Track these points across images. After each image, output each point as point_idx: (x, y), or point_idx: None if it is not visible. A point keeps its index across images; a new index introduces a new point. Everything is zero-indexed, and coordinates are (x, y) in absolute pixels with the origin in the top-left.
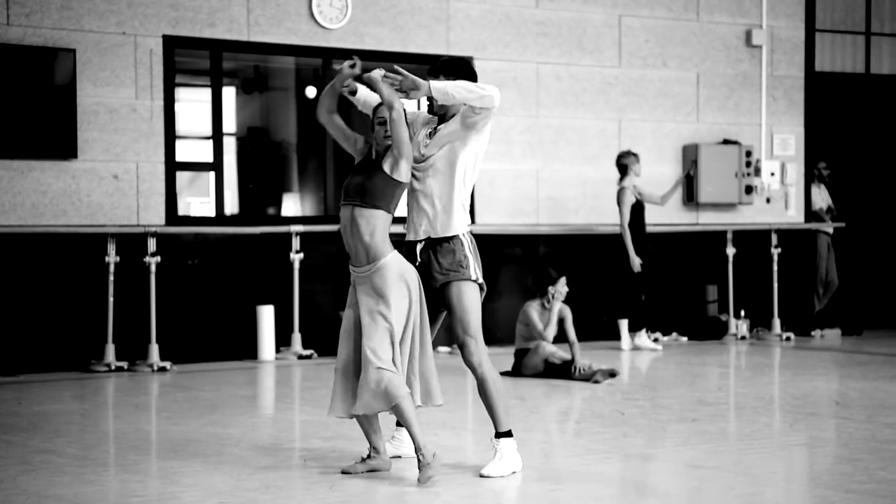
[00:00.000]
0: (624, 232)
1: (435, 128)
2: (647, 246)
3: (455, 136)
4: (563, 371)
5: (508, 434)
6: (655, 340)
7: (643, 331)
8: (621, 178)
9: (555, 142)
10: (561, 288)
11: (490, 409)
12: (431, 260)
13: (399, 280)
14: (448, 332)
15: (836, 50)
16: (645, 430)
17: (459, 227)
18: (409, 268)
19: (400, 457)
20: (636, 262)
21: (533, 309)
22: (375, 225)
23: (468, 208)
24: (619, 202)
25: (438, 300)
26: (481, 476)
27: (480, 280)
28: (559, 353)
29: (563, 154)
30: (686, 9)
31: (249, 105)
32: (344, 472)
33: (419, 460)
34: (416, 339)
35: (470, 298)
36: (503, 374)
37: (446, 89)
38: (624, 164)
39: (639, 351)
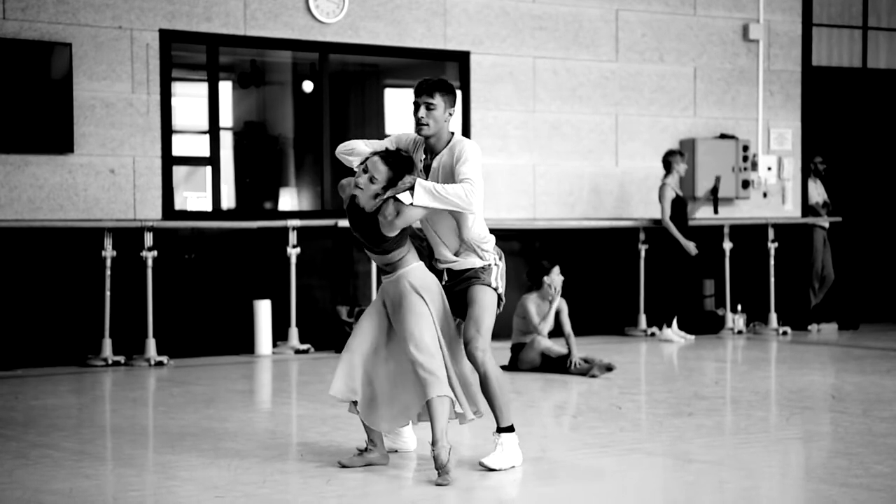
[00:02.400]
0: (667, 225)
1: (425, 157)
2: (692, 239)
3: (451, 178)
4: (559, 365)
5: (510, 429)
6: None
7: (674, 324)
8: (665, 175)
9: (551, 136)
10: (556, 277)
11: (492, 405)
12: (453, 273)
13: (418, 290)
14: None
15: (832, 44)
16: (641, 425)
17: (487, 256)
18: (429, 282)
19: (397, 451)
20: (690, 246)
21: (531, 302)
22: (394, 257)
23: (486, 232)
24: (660, 198)
25: (456, 305)
26: (481, 465)
27: (500, 291)
28: (555, 347)
29: (559, 148)
30: (683, 3)
31: (246, 99)
32: (341, 466)
33: (434, 458)
34: (444, 350)
35: (488, 300)
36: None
37: (430, 193)
38: (668, 161)
39: (668, 343)
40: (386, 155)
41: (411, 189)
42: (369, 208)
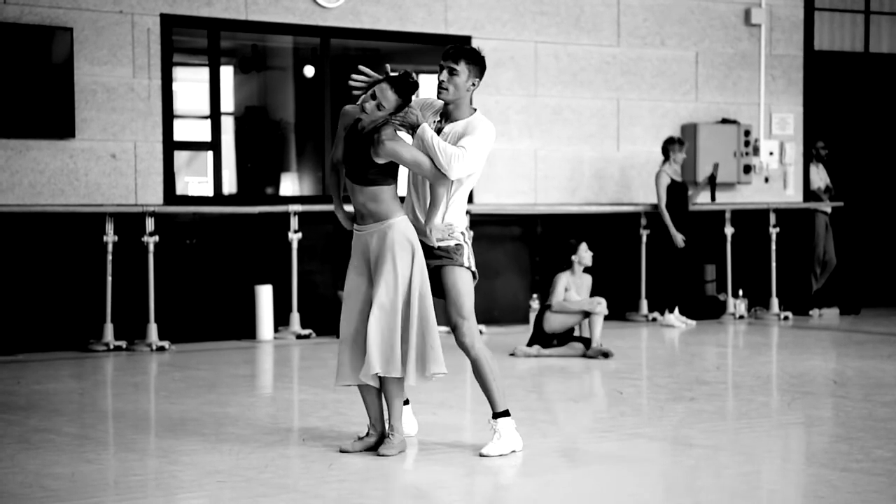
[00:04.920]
0: (662, 213)
1: (440, 120)
2: (692, 225)
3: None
4: (565, 336)
5: (505, 414)
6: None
7: (675, 309)
8: (663, 163)
9: (552, 121)
10: (583, 253)
11: (486, 389)
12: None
13: (405, 242)
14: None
15: (835, 28)
16: (643, 410)
17: (457, 233)
18: (414, 234)
19: None
20: (678, 238)
21: (561, 279)
22: (377, 197)
23: (463, 214)
24: (656, 185)
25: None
26: (481, 456)
27: (473, 269)
28: (574, 304)
29: (560, 133)
30: None
31: (247, 84)
32: (342, 451)
33: (389, 436)
34: (415, 308)
35: (464, 282)
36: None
37: (424, 139)
38: (666, 149)
39: (670, 328)
40: (394, 81)
41: (414, 128)
42: (368, 124)
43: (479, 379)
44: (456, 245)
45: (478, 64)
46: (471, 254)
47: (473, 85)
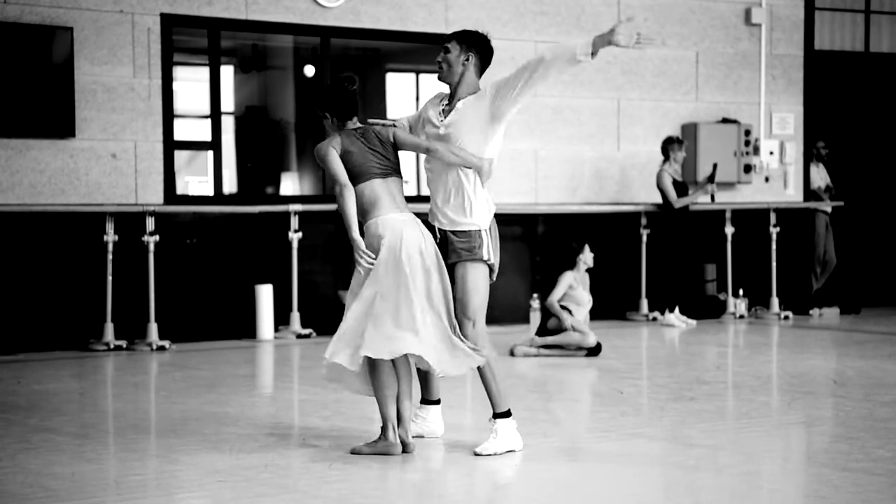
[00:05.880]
0: (681, 203)
1: (447, 106)
2: (692, 225)
3: (479, 125)
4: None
5: (506, 414)
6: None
7: (676, 308)
8: (663, 162)
9: (553, 121)
10: (588, 253)
11: (487, 390)
12: (448, 238)
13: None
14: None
15: (835, 28)
16: (643, 409)
17: (481, 221)
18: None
19: (423, 436)
20: (709, 188)
21: (565, 278)
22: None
23: (490, 197)
24: (661, 185)
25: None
26: (475, 454)
27: (492, 261)
28: (567, 317)
29: (561, 133)
30: None
31: (247, 84)
32: (353, 453)
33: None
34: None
35: (476, 279)
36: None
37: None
38: (665, 148)
39: (670, 328)
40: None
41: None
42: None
43: (482, 379)
44: (478, 238)
45: (469, 42)
46: (493, 246)
47: (468, 60)
